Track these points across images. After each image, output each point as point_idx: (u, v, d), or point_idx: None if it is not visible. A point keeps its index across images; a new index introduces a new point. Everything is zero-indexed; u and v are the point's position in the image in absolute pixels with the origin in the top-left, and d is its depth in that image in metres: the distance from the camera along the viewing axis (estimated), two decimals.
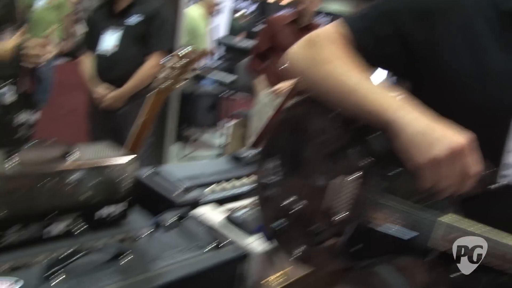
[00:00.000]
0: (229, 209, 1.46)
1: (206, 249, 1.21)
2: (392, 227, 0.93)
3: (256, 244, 1.30)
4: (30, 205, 1.15)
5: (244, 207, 1.50)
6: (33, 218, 1.17)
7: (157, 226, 1.27)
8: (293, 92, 2.68)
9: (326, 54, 0.97)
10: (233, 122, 5.29)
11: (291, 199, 0.99)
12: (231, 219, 1.38)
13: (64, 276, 1.01)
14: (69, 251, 1.07)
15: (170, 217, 1.32)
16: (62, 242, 1.17)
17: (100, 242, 1.10)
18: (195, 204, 1.45)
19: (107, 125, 2.69)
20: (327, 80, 0.96)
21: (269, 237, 1.08)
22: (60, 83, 5.98)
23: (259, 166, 1.03)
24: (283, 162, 1.01)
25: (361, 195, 0.95)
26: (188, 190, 1.48)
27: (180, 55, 1.54)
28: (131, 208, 1.37)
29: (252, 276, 1.30)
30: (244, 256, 1.25)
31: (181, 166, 1.82)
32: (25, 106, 1.94)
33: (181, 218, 1.33)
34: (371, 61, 0.98)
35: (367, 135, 0.95)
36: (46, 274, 0.99)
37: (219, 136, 5.56)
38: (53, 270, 1.00)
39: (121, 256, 1.09)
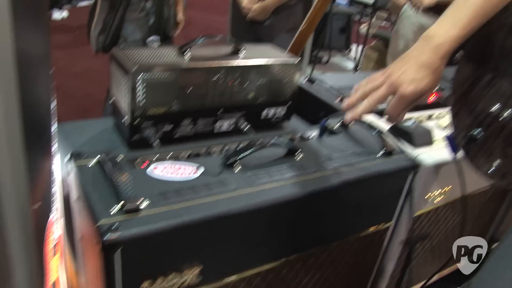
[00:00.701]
0: None
1: (378, 155, 1.15)
2: None
3: (424, 156, 1.22)
4: (202, 99, 1.17)
5: (409, 118, 1.41)
6: (204, 113, 1.19)
7: (323, 130, 1.24)
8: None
9: None
10: (368, 45, 5.06)
11: (496, 107, 0.88)
12: (396, 129, 1.30)
13: (240, 167, 1.01)
14: (245, 143, 1.07)
15: (335, 122, 1.28)
16: (231, 137, 1.18)
17: (271, 139, 1.08)
18: None
19: (251, 38, 2.67)
20: None
21: (456, 148, 0.98)
22: (192, 2, 6.12)
23: (457, 73, 0.92)
24: (487, 68, 0.88)
25: None
26: (347, 98, 1.42)
27: None
28: (292, 111, 1.35)
29: (418, 188, 1.23)
30: (414, 167, 1.18)
31: (333, 76, 1.75)
32: None
33: (345, 124, 1.28)
34: None
35: None
36: (226, 163, 1.01)
37: (352, 59, 5.38)
38: (232, 160, 1.01)
39: (296, 153, 1.08)
